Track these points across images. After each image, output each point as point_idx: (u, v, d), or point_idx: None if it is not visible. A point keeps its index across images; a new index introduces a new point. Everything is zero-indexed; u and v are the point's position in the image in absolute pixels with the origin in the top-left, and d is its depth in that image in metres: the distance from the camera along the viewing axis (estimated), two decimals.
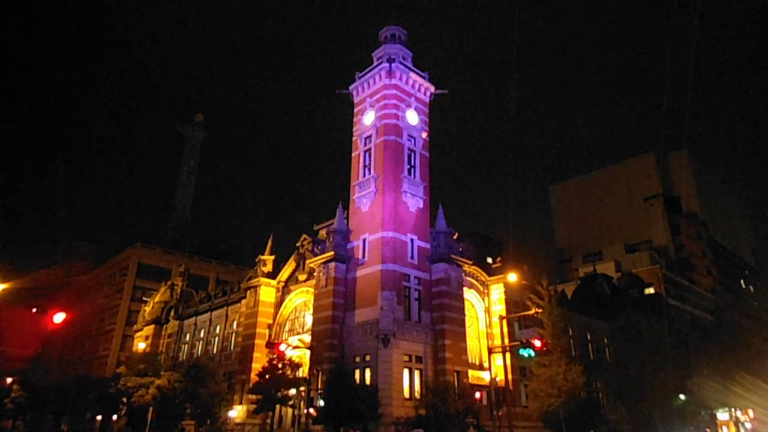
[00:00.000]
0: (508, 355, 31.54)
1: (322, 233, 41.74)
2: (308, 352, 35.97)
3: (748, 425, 51.91)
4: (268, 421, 36.10)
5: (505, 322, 37.49)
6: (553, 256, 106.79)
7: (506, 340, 35.11)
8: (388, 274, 35.29)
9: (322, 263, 38.44)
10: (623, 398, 44.11)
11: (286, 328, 44.45)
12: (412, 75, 42.82)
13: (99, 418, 52.51)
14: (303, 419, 34.56)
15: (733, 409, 52.74)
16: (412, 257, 37.41)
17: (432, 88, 44.41)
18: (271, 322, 44.66)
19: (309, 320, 40.67)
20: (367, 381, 33.04)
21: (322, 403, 31.30)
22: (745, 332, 48.67)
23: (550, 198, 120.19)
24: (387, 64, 41.74)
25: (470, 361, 37.80)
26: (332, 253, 37.63)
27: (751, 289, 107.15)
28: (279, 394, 33.72)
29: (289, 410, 37.14)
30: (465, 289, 39.54)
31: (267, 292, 45.52)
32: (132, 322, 73.67)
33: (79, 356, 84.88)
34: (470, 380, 35.88)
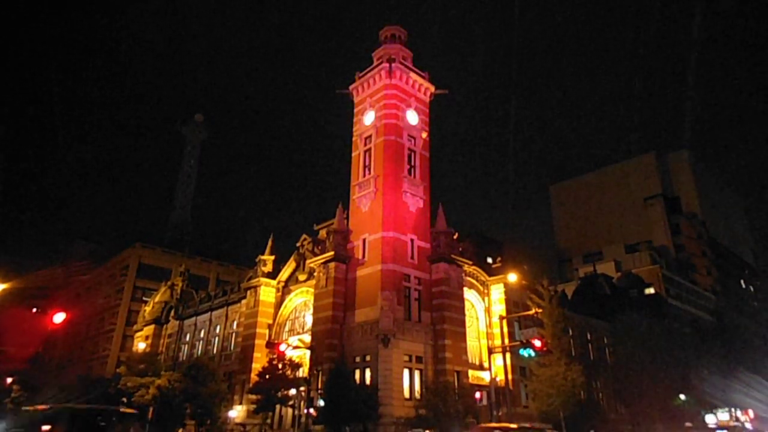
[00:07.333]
0: (508, 355, 31.63)
1: (322, 233, 41.75)
2: (308, 352, 35.97)
3: (748, 425, 51.89)
4: (268, 421, 36.11)
5: (505, 322, 37.51)
6: (553, 256, 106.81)
7: (506, 340, 35.16)
8: (388, 274, 35.30)
9: (322, 263, 38.46)
10: (623, 398, 44.17)
11: (286, 328, 44.47)
12: (412, 75, 42.84)
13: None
14: (303, 419, 34.57)
15: (733, 409, 52.79)
16: (412, 257, 37.42)
17: (432, 88, 44.41)
18: (271, 322, 44.67)
19: (309, 320, 40.69)
20: (367, 381, 33.07)
21: (322, 403, 31.33)
22: (745, 332, 48.77)
23: (550, 198, 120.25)
24: (387, 64, 41.76)
25: (470, 361, 37.77)
26: (332, 253, 37.66)
27: (751, 289, 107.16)
28: (279, 394, 33.77)
29: (289, 410, 37.16)
30: (465, 289, 39.53)
31: (267, 292, 45.53)
32: (132, 322, 73.55)
33: (79, 356, 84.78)
34: (470, 380, 35.84)
